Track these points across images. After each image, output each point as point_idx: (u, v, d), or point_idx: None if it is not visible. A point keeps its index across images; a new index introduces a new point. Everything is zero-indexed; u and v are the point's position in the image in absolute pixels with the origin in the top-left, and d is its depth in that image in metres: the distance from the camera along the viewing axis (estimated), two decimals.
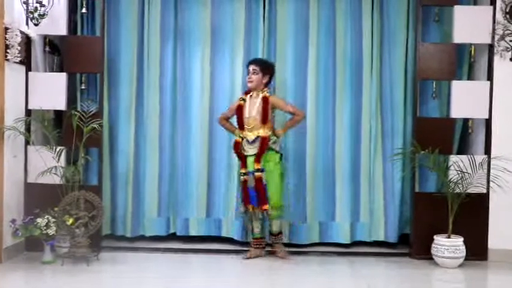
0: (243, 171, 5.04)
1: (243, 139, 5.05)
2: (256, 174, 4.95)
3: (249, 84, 5.06)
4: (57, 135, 5.13)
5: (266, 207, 4.97)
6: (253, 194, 4.99)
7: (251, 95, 5.08)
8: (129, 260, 5.04)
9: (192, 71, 5.55)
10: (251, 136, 5.01)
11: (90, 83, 5.52)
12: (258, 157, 4.96)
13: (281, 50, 5.52)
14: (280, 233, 5.18)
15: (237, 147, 5.08)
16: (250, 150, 5.00)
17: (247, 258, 5.07)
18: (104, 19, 5.27)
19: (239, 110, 5.07)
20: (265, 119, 4.98)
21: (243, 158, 5.04)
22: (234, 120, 5.22)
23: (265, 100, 5.00)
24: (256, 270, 4.78)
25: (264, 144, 4.96)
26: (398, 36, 5.52)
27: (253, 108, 5.02)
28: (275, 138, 5.05)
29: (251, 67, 5.07)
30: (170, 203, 5.60)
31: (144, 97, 5.56)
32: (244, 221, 5.36)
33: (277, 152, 5.05)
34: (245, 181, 5.03)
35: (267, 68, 5.10)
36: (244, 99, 5.09)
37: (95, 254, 4.91)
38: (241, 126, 5.06)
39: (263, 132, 4.98)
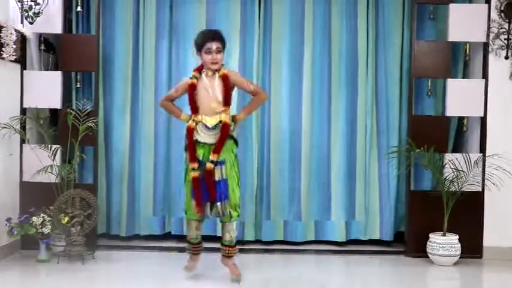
0: (194, 165, 4.20)
1: (196, 124, 4.27)
2: (208, 165, 4.17)
3: (214, 66, 4.23)
4: (52, 134, 5.13)
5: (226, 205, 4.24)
6: (215, 189, 4.21)
7: (206, 74, 4.28)
8: (124, 259, 5.04)
9: (187, 69, 5.51)
10: (211, 121, 4.23)
11: (85, 82, 5.52)
12: (218, 147, 4.19)
13: (276, 48, 5.51)
14: (236, 243, 4.47)
15: (191, 135, 4.26)
16: (209, 139, 4.24)
17: (189, 270, 4.52)
18: (99, 17, 5.27)
19: (191, 90, 4.27)
20: (227, 100, 4.26)
21: (193, 148, 4.25)
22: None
23: (225, 78, 4.25)
24: (251, 268, 4.78)
25: (225, 132, 4.21)
26: (393, 34, 5.52)
27: (212, 88, 4.25)
28: (233, 124, 4.32)
29: (214, 45, 4.20)
30: (165, 202, 5.60)
31: (139, 95, 5.55)
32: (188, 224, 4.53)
33: (235, 139, 4.36)
34: (196, 178, 4.18)
35: (225, 42, 4.35)
36: (196, 77, 4.30)
37: (90, 253, 4.91)
38: (195, 109, 4.28)
39: (225, 117, 4.23)
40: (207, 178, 4.16)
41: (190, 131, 4.26)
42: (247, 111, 4.47)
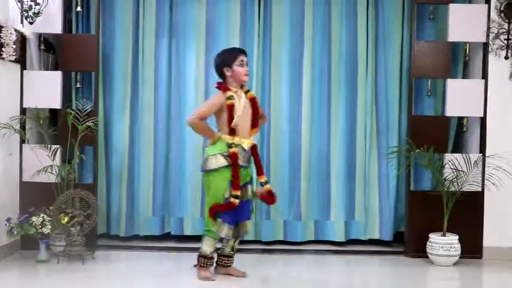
0: (237, 193, 4.15)
1: (236, 146, 4.21)
2: (266, 187, 4.37)
3: (247, 78, 4.31)
4: (52, 134, 5.13)
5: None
6: (243, 209, 4.30)
7: (233, 91, 4.26)
8: (123, 259, 5.04)
9: (187, 69, 5.54)
10: (248, 144, 4.26)
11: (85, 81, 5.52)
12: (261, 168, 4.36)
13: (276, 48, 5.51)
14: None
15: (237, 161, 4.19)
16: (245, 161, 4.28)
17: (207, 278, 4.39)
18: (98, 17, 5.27)
19: (231, 111, 4.20)
20: (256, 123, 4.36)
21: (238, 175, 4.18)
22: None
23: (253, 100, 4.34)
24: (250, 268, 4.77)
25: (257, 153, 4.39)
26: (393, 34, 5.52)
27: (246, 109, 4.27)
28: None
29: (245, 58, 4.31)
30: (165, 202, 5.59)
31: (138, 95, 5.55)
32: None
33: None
34: (233, 204, 4.16)
35: None
36: (233, 97, 4.24)
37: (90, 253, 4.91)
38: (234, 131, 4.22)
39: (253, 139, 4.36)
40: (268, 199, 4.40)
41: (235, 157, 4.17)
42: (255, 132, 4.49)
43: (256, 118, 4.33)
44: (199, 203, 5.54)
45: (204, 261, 4.36)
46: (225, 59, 4.27)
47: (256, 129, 4.37)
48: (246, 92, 4.32)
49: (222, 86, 4.26)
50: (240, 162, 4.20)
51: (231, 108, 4.19)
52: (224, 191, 4.18)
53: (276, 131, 5.52)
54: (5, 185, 4.90)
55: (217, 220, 4.22)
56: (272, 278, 4.58)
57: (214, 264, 4.46)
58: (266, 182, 4.38)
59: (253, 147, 4.32)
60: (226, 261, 4.46)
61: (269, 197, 4.37)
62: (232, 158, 4.16)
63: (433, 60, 5.21)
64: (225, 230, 4.23)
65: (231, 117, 4.18)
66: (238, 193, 4.16)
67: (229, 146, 4.18)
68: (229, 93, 4.21)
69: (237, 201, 4.14)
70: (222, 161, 4.18)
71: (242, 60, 4.24)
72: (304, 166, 5.50)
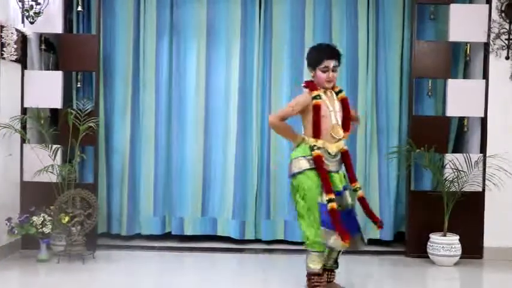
0: (331, 196, 3.80)
1: (319, 149, 3.89)
2: (359, 192, 4.03)
3: (329, 85, 3.95)
4: (53, 134, 5.13)
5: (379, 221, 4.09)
6: (349, 218, 3.93)
7: (323, 91, 3.95)
8: (124, 259, 5.04)
9: (188, 69, 5.55)
10: (332, 148, 3.91)
11: (85, 81, 5.52)
12: (353, 175, 4.03)
13: (277, 48, 5.52)
14: None
15: (322, 163, 3.86)
16: (335, 166, 3.94)
17: None
18: (99, 17, 5.27)
19: (317, 111, 3.87)
20: (348, 126, 4.01)
21: (327, 178, 3.85)
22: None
23: (345, 101, 4.01)
24: (251, 269, 4.78)
25: (350, 159, 4.05)
26: (394, 34, 5.52)
27: (336, 112, 3.94)
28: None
29: (332, 63, 3.93)
30: (165, 202, 5.60)
31: (139, 95, 5.55)
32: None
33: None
34: (335, 209, 3.79)
35: (341, 60, 4.07)
36: (320, 97, 3.92)
37: (90, 252, 4.92)
38: (319, 133, 3.88)
39: (343, 143, 3.99)
40: (363, 203, 4.05)
41: (320, 160, 3.85)
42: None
43: (348, 121, 4.01)
44: (200, 203, 5.55)
45: (315, 280, 3.97)
46: (311, 59, 4.01)
47: (347, 133, 3.99)
48: (338, 93, 4.03)
49: (310, 85, 3.97)
50: (328, 167, 3.88)
51: (317, 109, 3.87)
52: (316, 194, 3.86)
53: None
54: (6, 185, 4.90)
55: (320, 229, 3.84)
56: (272, 278, 4.58)
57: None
58: (359, 188, 4.03)
59: (344, 154, 3.98)
60: (328, 276, 4.11)
61: (367, 210, 4.02)
62: (316, 161, 3.85)
63: (434, 60, 5.21)
64: (332, 239, 3.80)
65: (317, 118, 3.88)
66: (332, 196, 3.79)
67: (312, 148, 3.88)
68: (315, 93, 3.91)
69: (335, 204, 3.78)
70: (305, 164, 3.89)
71: (326, 66, 3.90)
72: None
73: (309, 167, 3.88)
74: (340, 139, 3.94)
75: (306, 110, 3.92)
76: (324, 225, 3.83)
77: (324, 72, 3.91)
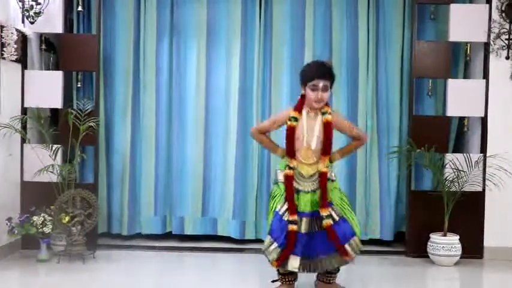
0: (294, 217, 3.76)
1: (291, 169, 3.85)
2: (325, 222, 3.78)
3: (317, 105, 3.81)
4: (53, 134, 5.13)
5: (349, 255, 3.82)
6: (308, 241, 3.82)
7: (306, 111, 3.87)
8: (124, 258, 5.04)
9: (188, 69, 5.55)
10: (308, 171, 3.85)
11: (86, 81, 5.52)
12: (324, 202, 3.80)
13: (277, 48, 5.51)
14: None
15: (291, 184, 3.82)
16: (307, 186, 3.85)
17: None
18: (99, 17, 5.27)
19: (291, 133, 3.85)
20: (328, 150, 3.86)
21: (293, 198, 3.81)
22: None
23: (327, 125, 3.84)
24: (252, 269, 4.78)
25: (325, 184, 3.83)
26: (394, 34, 5.52)
27: (312, 135, 3.83)
28: (330, 165, 3.94)
29: (322, 82, 3.77)
30: (166, 202, 5.60)
31: (140, 95, 5.56)
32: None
33: (333, 181, 3.94)
34: (292, 232, 3.74)
35: (334, 79, 3.90)
36: (296, 119, 3.86)
37: (90, 252, 4.92)
38: (291, 154, 3.85)
39: (323, 166, 3.84)
40: (329, 234, 3.79)
41: (289, 179, 3.82)
42: (345, 154, 4.12)
43: (328, 145, 3.84)
44: (201, 203, 5.55)
45: (280, 277, 3.99)
46: (302, 76, 3.88)
47: (326, 157, 3.85)
48: (324, 113, 3.87)
49: (299, 102, 3.89)
50: (298, 186, 3.83)
51: (289, 131, 3.84)
52: (278, 202, 3.86)
53: (277, 131, 5.49)
54: (6, 185, 4.90)
55: (267, 236, 3.85)
56: (273, 278, 4.58)
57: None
58: (327, 217, 3.78)
59: (321, 176, 3.83)
60: (327, 277, 4.02)
61: (330, 234, 3.78)
62: (285, 180, 3.84)
63: (434, 60, 5.21)
64: (272, 252, 3.79)
65: (289, 140, 3.84)
66: (295, 218, 3.75)
67: (285, 166, 3.87)
68: (292, 114, 3.85)
69: (295, 227, 3.73)
70: (281, 177, 3.90)
71: (316, 85, 3.76)
72: None
73: (283, 181, 3.88)
74: (315, 161, 3.84)
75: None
76: (269, 233, 3.83)
77: (312, 90, 3.78)
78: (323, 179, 3.83)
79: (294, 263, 3.79)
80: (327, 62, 3.92)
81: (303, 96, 3.88)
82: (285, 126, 3.91)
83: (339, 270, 4.04)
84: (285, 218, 3.79)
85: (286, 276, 3.97)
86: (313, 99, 3.78)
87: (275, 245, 3.79)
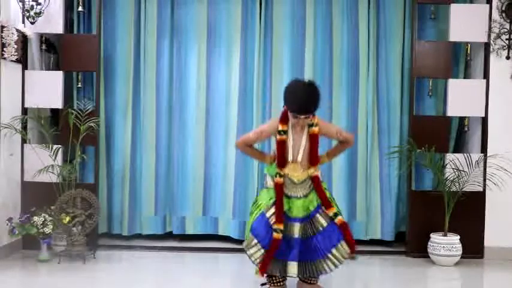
0: (280, 227, 3.77)
1: (282, 177, 3.87)
2: (338, 219, 3.85)
3: (297, 126, 3.87)
4: (53, 134, 5.13)
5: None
6: (304, 246, 3.84)
7: (293, 126, 3.88)
8: (125, 259, 5.05)
9: (188, 69, 5.55)
10: (298, 177, 3.87)
11: (86, 81, 5.53)
12: (326, 202, 3.87)
13: (277, 48, 5.51)
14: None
15: (281, 192, 3.86)
16: (298, 192, 3.90)
17: None
18: (100, 17, 5.28)
19: (280, 147, 3.87)
20: (314, 160, 3.89)
21: (281, 207, 3.83)
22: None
23: (313, 137, 3.87)
24: (251, 267, 4.77)
25: (320, 185, 3.90)
26: (394, 34, 5.52)
27: (298, 149, 3.87)
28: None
29: (303, 116, 3.78)
30: (167, 202, 5.60)
31: (140, 95, 5.56)
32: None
33: (322, 181, 3.99)
34: (276, 240, 3.76)
35: (318, 107, 3.85)
36: (285, 132, 3.88)
37: (91, 252, 4.92)
38: (282, 164, 3.87)
39: (313, 170, 3.89)
40: (342, 229, 3.84)
41: (279, 187, 3.85)
42: (333, 156, 4.16)
43: (315, 155, 3.89)
44: (201, 202, 5.55)
45: (268, 280, 4.02)
46: (285, 100, 3.84)
47: (314, 167, 3.89)
48: (311, 126, 3.88)
49: (284, 113, 3.89)
50: (289, 192, 3.88)
51: (280, 144, 3.87)
52: (265, 204, 3.90)
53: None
54: (7, 185, 4.90)
55: (249, 235, 3.88)
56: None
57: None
58: (336, 214, 3.86)
59: (314, 179, 3.89)
60: (310, 278, 4.00)
61: (346, 235, 3.83)
62: (275, 188, 3.87)
63: (435, 60, 5.21)
64: (253, 250, 3.84)
65: (280, 152, 3.86)
66: (281, 227, 3.77)
67: (276, 174, 3.88)
68: (281, 127, 3.86)
69: (280, 235, 3.76)
70: (270, 183, 3.95)
71: (297, 117, 3.78)
72: None
73: (273, 187, 3.93)
74: (304, 171, 3.87)
75: (274, 135, 3.93)
76: (251, 231, 3.86)
77: (294, 118, 3.80)
78: (317, 183, 3.89)
79: (292, 269, 3.81)
80: (311, 88, 3.80)
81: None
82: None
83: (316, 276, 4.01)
84: (271, 221, 3.81)
85: (273, 278, 3.98)
86: (294, 122, 3.83)
87: (258, 246, 3.82)
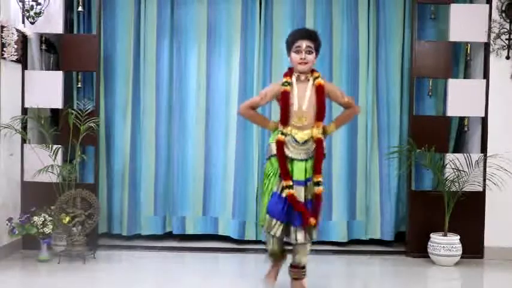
0: (289, 182, 3.75)
1: (285, 136, 3.83)
2: (317, 188, 3.80)
3: (301, 67, 3.81)
4: (53, 134, 5.13)
5: (314, 221, 3.80)
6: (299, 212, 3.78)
7: (298, 78, 3.87)
8: (125, 259, 5.05)
9: (188, 69, 5.55)
10: (302, 136, 3.80)
11: (86, 81, 5.53)
12: (318, 168, 3.80)
13: (277, 48, 5.50)
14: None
15: (282, 149, 3.81)
16: (299, 154, 3.82)
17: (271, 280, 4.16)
18: (100, 17, 5.27)
19: (285, 98, 3.81)
20: (321, 115, 3.83)
21: (285, 164, 3.80)
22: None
23: (319, 89, 3.83)
24: (252, 269, 4.78)
25: (321, 150, 3.82)
26: (394, 34, 5.52)
27: (303, 98, 3.81)
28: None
29: (304, 43, 3.79)
30: (166, 202, 5.60)
31: (140, 95, 5.55)
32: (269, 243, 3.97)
33: (324, 155, 3.91)
34: (291, 196, 3.73)
35: (320, 43, 3.91)
36: (289, 83, 3.86)
37: (91, 253, 4.92)
38: (285, 120, 3.82)
39: (317, 132, 3.82)
40: (316, 200, 3.81)
41: (280, 145, 3.79)
42: (340, 124, 4.05)
43: (322, 109, 3.83)
44: (201, 202, 5.55)
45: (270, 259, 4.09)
46: (286, 42, 3.89)
47: (320, 123, 3.83)
48: (316, 78, 3.86)
49: (288, 71, 3.91)
50: (290, 153, 3.79)
51: (284, 96, 3.81)
52: (273, 182, 3.85)
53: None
54: (7, 185, 4.90)
55: (266, 216, 3.85)
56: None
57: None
58: (317, 183, 3.81)
59: (317, 142, 3.81)
60: (292, 273, 4.02)
61: (317, 200, 3.80)
62: (276, 146, 3.81)
63: (434, 60, 5.21)
64: (275, 227, 3.79)
65: (284, 105, 3.81)
66: (289, 183, 3.73)
67: (279, 132, 3.84)
68: (284, 79, 3.85)
69: (292, 191, 3.72)
70: (274, 150, 3.85)
71: (299, 46, 3.78)
72: None
73: (275, 153, 3.85)
74: (308, 126, 3.81)
75: (279, 98, 3.89)
76: (268, 213, 3.84)
77: (296, 53, 3.80)
78: (319, 145, 3.82)
79: (299, 236, 3.79)
80: (312, 29, 4.07)
81: (290, 69, 3.91)
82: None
83: (299, 263, 3.95)
84: (284, 195, 3.78)
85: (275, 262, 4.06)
86: (298, 61, 3.81)
87: (279, 222, 3.80)
